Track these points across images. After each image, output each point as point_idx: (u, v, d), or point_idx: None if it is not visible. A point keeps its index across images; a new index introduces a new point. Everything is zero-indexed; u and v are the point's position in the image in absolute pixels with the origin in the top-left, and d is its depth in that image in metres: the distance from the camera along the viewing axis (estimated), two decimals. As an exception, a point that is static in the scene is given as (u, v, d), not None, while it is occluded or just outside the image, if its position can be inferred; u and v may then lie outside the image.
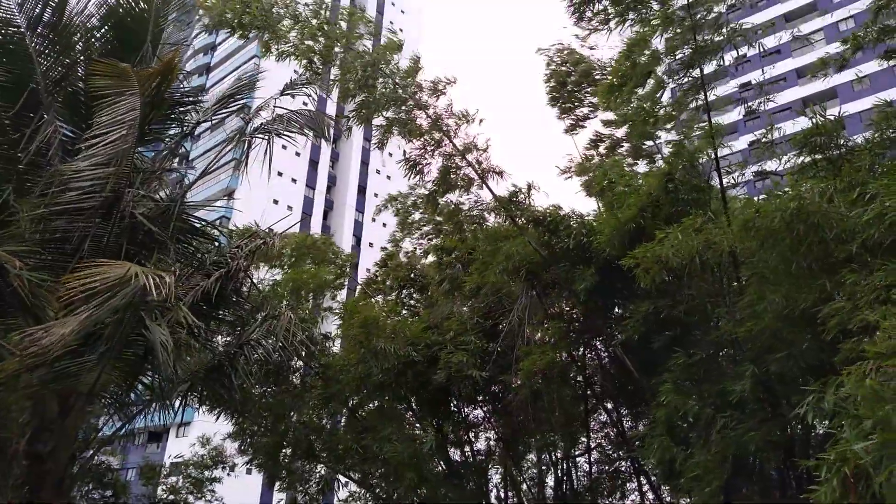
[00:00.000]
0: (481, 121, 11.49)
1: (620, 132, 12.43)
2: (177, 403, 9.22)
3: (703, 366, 8.15)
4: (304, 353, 13.42)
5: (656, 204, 9.09)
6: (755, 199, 7.73)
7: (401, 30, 63.03)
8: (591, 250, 9.82)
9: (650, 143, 11.41)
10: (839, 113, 8.44)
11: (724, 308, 7.97)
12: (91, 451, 10.97)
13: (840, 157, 7.80)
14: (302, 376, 15.42)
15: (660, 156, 11.32)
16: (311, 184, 53.75)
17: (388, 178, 53.48)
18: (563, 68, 11.86)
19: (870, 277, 5.52)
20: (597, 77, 11.52)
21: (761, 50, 9.64)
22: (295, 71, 11.69)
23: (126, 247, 7.83)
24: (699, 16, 9.33)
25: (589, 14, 10.85)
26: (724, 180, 9.60)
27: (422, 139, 11.52)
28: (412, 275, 16.15)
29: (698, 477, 7.27)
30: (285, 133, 9.27)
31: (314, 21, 11.21)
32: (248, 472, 17.92)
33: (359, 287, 17.99)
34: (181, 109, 9.91)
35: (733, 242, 6.95)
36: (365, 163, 60.26)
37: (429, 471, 11.99)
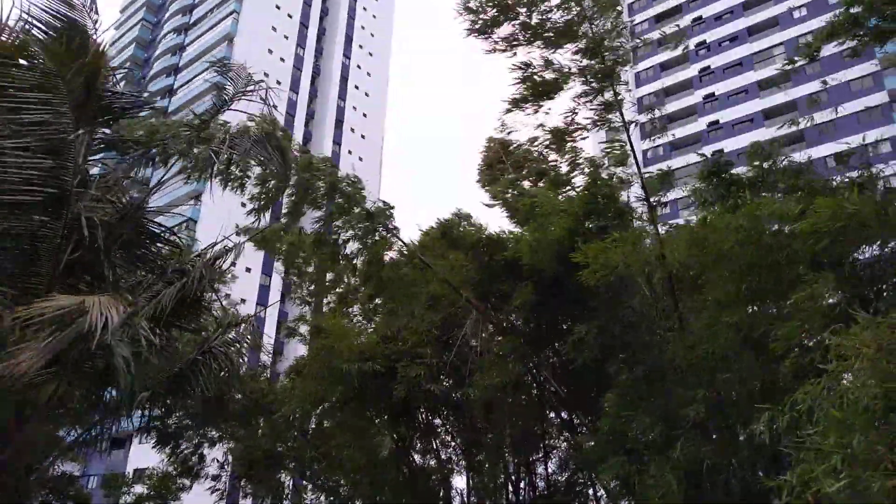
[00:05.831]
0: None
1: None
2: (138, 413, 9.08)
3: (648, 381, 8.21)
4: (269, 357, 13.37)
5: (583, 225, 9.38)
6: (706, 216, 7.75)
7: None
8: (525, 267, 9.93)
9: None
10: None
11: (670, 324, 8.08)
12: (49, 460, 10.71)
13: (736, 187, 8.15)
14: (268, 382, 15.28)
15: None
16: (280, 187, 53.15)
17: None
18: (492, 154, 13.58)
19: (817, 298, 5.69)
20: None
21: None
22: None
23: (79, 253, 7.68)
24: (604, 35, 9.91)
25: (494, 37, 11.44)
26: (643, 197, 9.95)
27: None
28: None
29: (653, 488, 7.26)
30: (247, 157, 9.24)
31: None
32: (216, 478, 17.63)
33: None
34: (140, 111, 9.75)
35: (681, 257, 7.03)
36: (335, 166, 59.63)
37: (387, 476, 11.97)
